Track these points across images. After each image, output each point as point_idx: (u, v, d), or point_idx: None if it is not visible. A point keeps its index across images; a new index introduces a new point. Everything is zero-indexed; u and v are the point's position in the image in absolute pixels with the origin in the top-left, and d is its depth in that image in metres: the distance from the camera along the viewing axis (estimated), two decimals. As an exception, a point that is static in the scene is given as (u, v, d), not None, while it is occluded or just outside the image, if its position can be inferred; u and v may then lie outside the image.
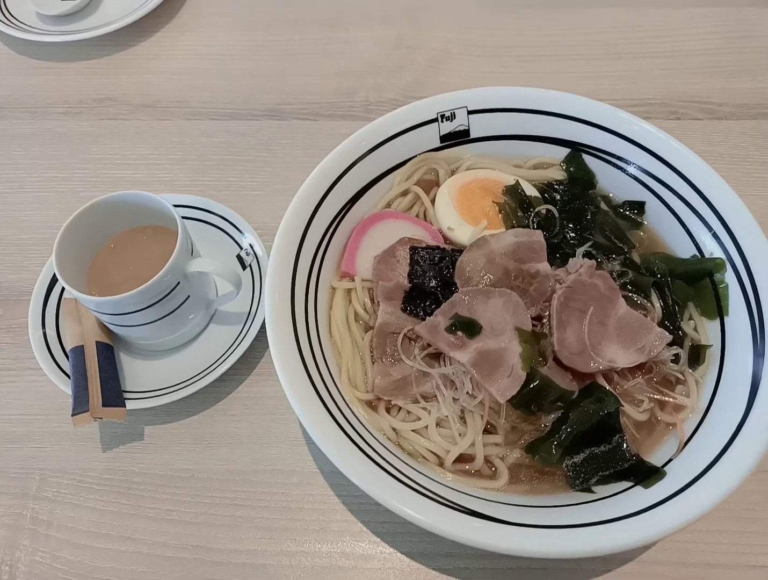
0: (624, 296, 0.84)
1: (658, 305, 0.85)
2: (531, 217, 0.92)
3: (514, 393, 0.75)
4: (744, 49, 1.31)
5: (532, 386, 0.76)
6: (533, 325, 0.82)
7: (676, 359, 0.82)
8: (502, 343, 0.78)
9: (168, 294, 0.85)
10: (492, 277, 0.84)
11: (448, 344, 0.79)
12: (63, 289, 0.97)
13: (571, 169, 0.96)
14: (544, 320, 0.83)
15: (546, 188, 0.97)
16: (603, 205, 0.95)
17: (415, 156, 0.96)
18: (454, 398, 0.79)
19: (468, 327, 0.79)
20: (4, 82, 1.33)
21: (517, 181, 0.95)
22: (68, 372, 0.89)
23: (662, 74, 1.28)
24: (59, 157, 1.20)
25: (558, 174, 0.97)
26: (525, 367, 0.76)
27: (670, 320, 0.84)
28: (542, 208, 0.93)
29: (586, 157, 0.96)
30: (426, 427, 0.79)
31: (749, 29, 1.34)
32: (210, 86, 1.29)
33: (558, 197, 0.96)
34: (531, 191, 0.95)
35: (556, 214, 0.92)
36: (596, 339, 0.80)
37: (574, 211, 0.94)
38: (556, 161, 0.98)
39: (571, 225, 0.92)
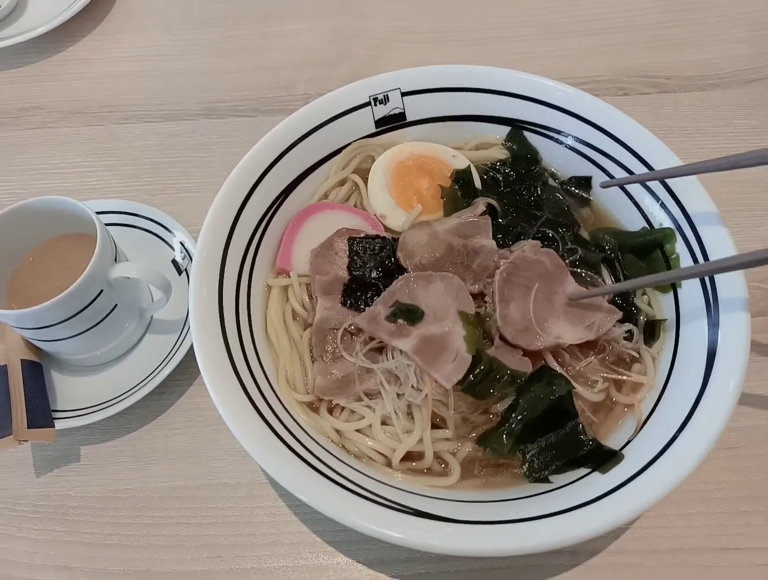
0: (573, 274, 0.80)
1: (609, 281, 0.82)
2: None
3: (460, 377, 0.72)
4: (688, 21, 1.29)
5: (479, 369, 0.72)
6: (477, 305, 0.79)
7: (629, 337, 0.79)
8: (445, 327, 0.75)
9: (91, 303, 0.80)
10: (436, 253, 0.81)
11: (389, 333, 0.75)
12: (-14, 308, 0.91)
13: (513, 147, 0.93)
14: (487, 298, 0.79)
15: (488, 170, 0.93)
16: (551, 181, 0.91)
17: (350, 143, 0.92)
18: (398, 394, 0.75)
19: (409, 314, 0.76)
20: None
21: (470, 165, 0.91)
22: (-8, 395, 0.83)
23: (608, 51, 1.25)
24: (-17, 170, 1.14)
25: (500, 153, 0.94)
26: (470, 349, 0.73)
27: (623, 297, 0.81)
28: (482, 201, 0.88)
29: (527, 134, 0.92)
30: (370, 426, 0.74)
31: (691, 1, 1.32)
32: (142, 88, 1.24)
33: (501, 178, 0.92)
34: (477, 181, 0.91)
35: (498, 208, 0.88)
36: (542, 315, 0.76)
37: (520, 192, 0.90)
38: (497, 141, 0.95)
39: (517, 206, 0.89)
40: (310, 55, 1.27)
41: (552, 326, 0.76)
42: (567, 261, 0.81)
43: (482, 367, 0.72)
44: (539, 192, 0.89)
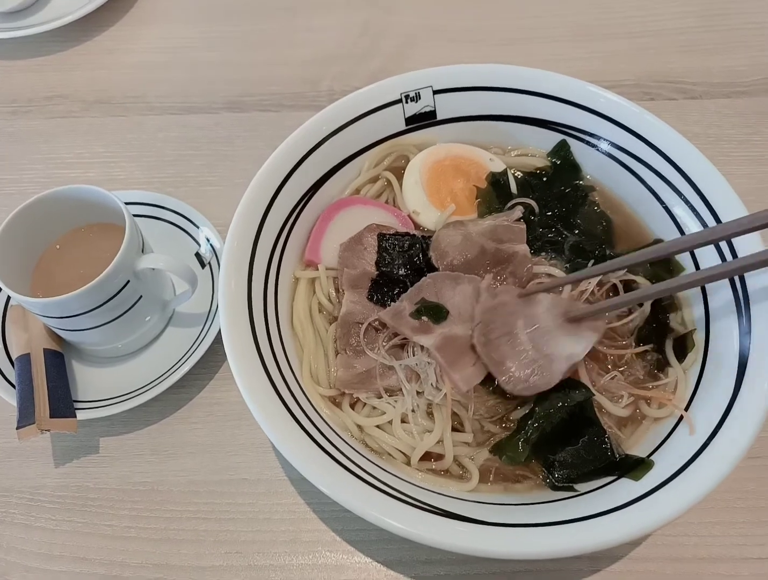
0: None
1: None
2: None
3: (477, 382, 0.72)
4: (717, 28, 1.28)
5: None
6: None
7: (659, 350, 0.78)
8: (468, 329, 0.74)
9: (117, 294, 0.79)
10: (468, 254, 0.81)
11: (412, 329, 0.75)
12: (8, 296, 0.91)
13: (556, 162, 0.92)
14: None
15: (526, 175, 0.92)
16: (591, 196, 0.90)
17: (380, 140, 0.91)
18: (418, 392, 0.74)
19: (434, 312, 0.75)
20: (-52, 81, 1.27)
21: (506, 169, 0.91)
22: (14, 383, 0.83)
23: (635, 55, 1.25)
24: (8, 158, 1.14)
25: (540, 162, 0.93)
26: None
27: (657, 318, 0.80)
28: (521, 201, 0.87)
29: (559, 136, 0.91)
30: (391, 423, 0.74)
31: (722, 7, 1.31)
32: (167, 80, 1.24)
33: (538, 184, 0.91)
34: (513, 185, 0.90)
35: (536, 209, 0.88)
36: (542, 347, 0.72)
37: (557, 200, 0.89)
38: (539, 153, 0.94)
39: (553, 214, 0.88)
40: (336, 50, 1.27)
41: (557, 349, 0.72)
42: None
43: None
44: (577, 202, 0.88)
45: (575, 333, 0.73)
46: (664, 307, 0.81)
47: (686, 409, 0.72)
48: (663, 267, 0.82)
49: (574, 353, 0.72)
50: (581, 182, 0.91)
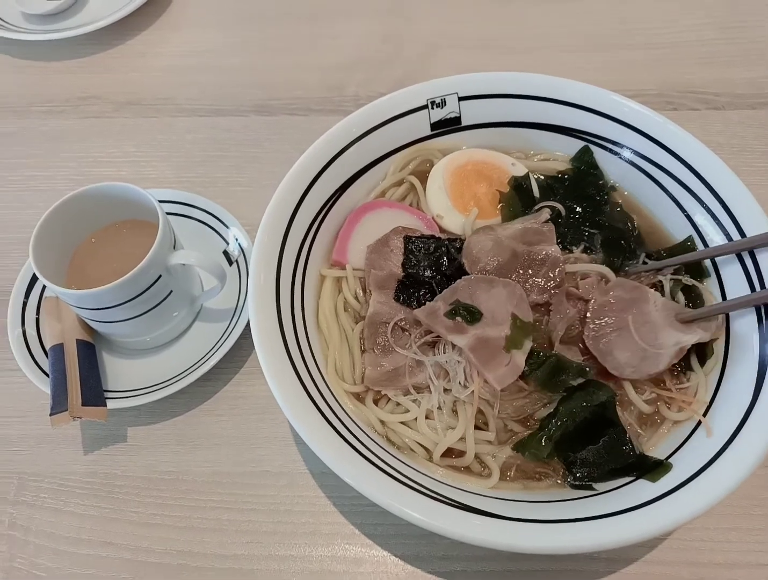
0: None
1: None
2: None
3: (511, 381, 0.73)
4: (739, 40, 1.29)
5: (547, 363, 0.74)
6: (540, 314, 0.80)
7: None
8: (502, 332, 0.76)
9: (149, 288, 0.82)
10: (500, 259, 0.82)
11: (446, 328, 0.76)
12: (43, 288, 0.94)
13: (579, 166, 0.93)
14: (551, 308, 0.80)
15: (547, 179, 0.94)
16: (613, 196, 0.92)
17: (406, 144, 0.93)
18: (445, 389, 0.76)
19: (468, 313, 0.77)
20: (-14, 81, 1.31)
21: (528, 173, 0.92)
22: (48, 371, 0.86)
23: (658, 65, 1.26)
24: (42, 156, 1.18)
25: (561, 165, 0.95)
26: (507, 348, 0.75)
27: None
28: (547, 205, 0.89)
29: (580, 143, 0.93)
30: (415, 419, 0.76)
31: (744, 20, 1.32)
32: (196, 83, 1.27)
33: (559, 187, 0.93)
34: (535, 189, 0.92)
35: (563, 212, 0.90)
36: (651, 336, 0.77)
37: (580, 200, 0.91)
38: (562, 157, 0.95)
39: (576, 214, 0.90)
40: (360, 57, 1.29)
41: (665, 339, 0.76)
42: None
43: (550, 359, 0.74)
44: (601, 202, 0.90)
45: (684, 329, 0.78)
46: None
47: (705, 413, 0.73)
48: (694, 270, 0.84)
49: (683, 340, 0.76)
50: (602, 182, 0.93)
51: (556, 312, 0.79)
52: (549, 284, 0.81)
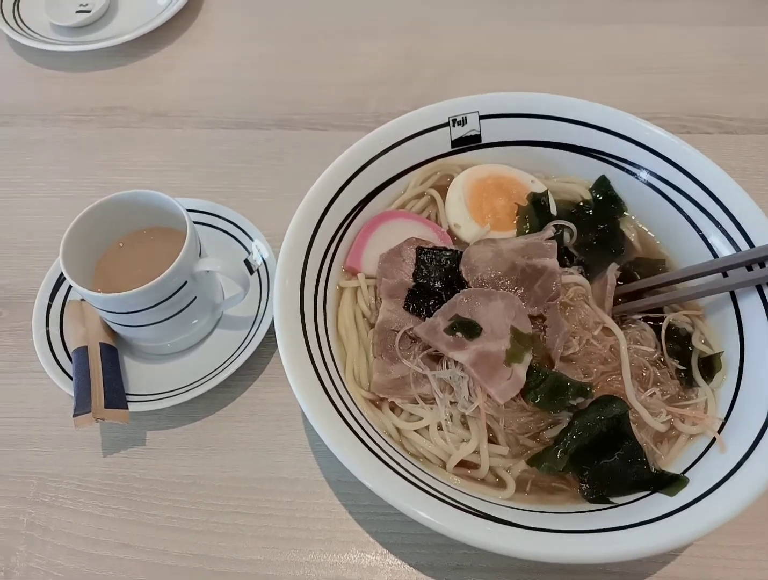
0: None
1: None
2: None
3: (513, 395, 0.74)
4: (753, 66, 1.32)
5: (545, 382, 0.75)
6: (534, 324, 0.81)
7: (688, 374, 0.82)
8: (502, 346, 0.77)
9: (174, 294, 0.84)
10: (498, 270, 0.84)
11: (446, 344, 0.77)
12: (68, 291, 0.96)
13: (598, 196, 0.95)
14: (546, 323, 0.81)
15: (570, 209, 0.96)
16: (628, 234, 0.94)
17: (426, 160, 0.95)
18: (451, 402, 0.77)
19: (468, 328, 0.78)
20: (16, 89, 1.34)
21: (547, 190, 0.94)
22: (71, 374, 0.87)
23: (672, 89, 1.28)
24: (68, 164, 1.20)
25: (583, 191, 0.96)
26: (508, 361, 0.76)
27: (676, 338, 0.84)
28: (561, 223, 0.91)
29: (601, 164, 0.95)
30: (427, 428, 0.77)
31: (758, 47, 1.35)
32: (220, 96, 1.30)
33: (578, 212, 0.95)
34: (553, 207, 0.94)
35: (574, 231, 0.92)
36: None
37: (596, 226, 0.94)
38: (583, 182, 0.97)
39: (591, 239, 0.93)
40: (382, 74, 1.32)
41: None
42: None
43: (547, 377, 0.75)
44: (617, 232, 0.92)
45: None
46: (684, 330, 0.85)
47: (721, 429, 0.74)
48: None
49: None
50: (620, 218, 0.95)
51: (552, 326, 0.80)
52: (545, 296, 0.82)
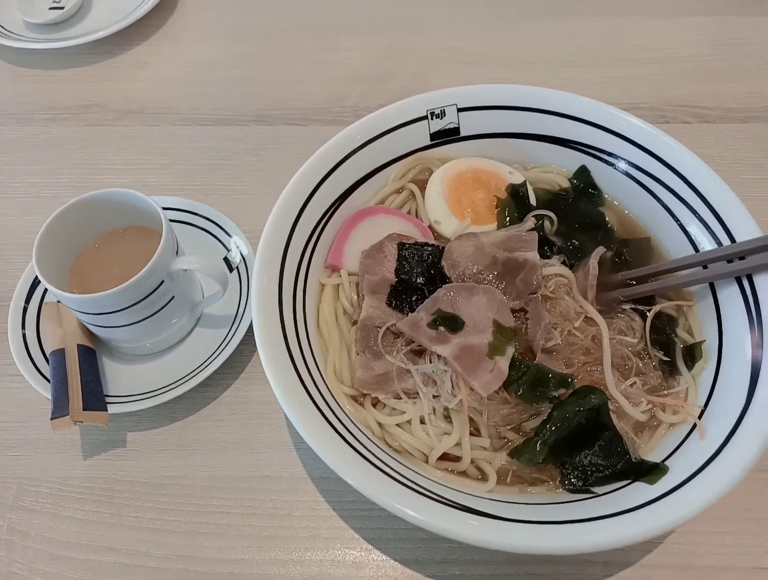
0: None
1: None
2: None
3: (496, 387, 0.75)
4: (731, 56, 1.33)
5: (527, 374, 0.75)
6: (518, 320, 0.81)
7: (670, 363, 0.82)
8: (484, 339, 0.77)
9: (152, 293, 0.83)
10: (480, 265, 0.84)
11: (429, 339, 0.77)
12: (44, 293, 0.95)
13: (578, 184, 0.95)
14: (528, 316, 0.81)
15: (550, 197, 0.96)
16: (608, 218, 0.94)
17: (406, 154, 0.95)
18: (434, 395, 0.77)
19: (450, 323, 0.78)
20: (-12, 89, 1.32)
21: (525, 181, 0.94)
22: (48, 377, 0.86)
23: (651, 80, 1.29)
24: (44, 163, 1.19)
25: (561, 179, 0.96)
26: (490, 354, 0.76)
27: (661, 330, 0.84)
28: (540, 213, 0.91)
29: (579, 155, 0.95)
30: (410, 422, 0.77)
31: (735, 36, 1.36)
32: (198, 93, 1.28)
33: (557, 200, 0.95)
34: (532, 197, 0.94)
35: (555, 219, 0.91)
36: None
37: (577, 211, 0.93)
38: (562, 172, 0.97)
39: (572, 224, 0.92)
40: (361, 70, 1.31)
41: None
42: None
43: (529, 369, 0.75)
44: (599, 215, 0.92)
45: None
46: (669, 319, 0.85)
47: (701, 416, 0.75)
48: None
49: None
50: (601, 209, 0.95)
51: (534, 318, 0.81)
52: (526, 289, 0.82)
